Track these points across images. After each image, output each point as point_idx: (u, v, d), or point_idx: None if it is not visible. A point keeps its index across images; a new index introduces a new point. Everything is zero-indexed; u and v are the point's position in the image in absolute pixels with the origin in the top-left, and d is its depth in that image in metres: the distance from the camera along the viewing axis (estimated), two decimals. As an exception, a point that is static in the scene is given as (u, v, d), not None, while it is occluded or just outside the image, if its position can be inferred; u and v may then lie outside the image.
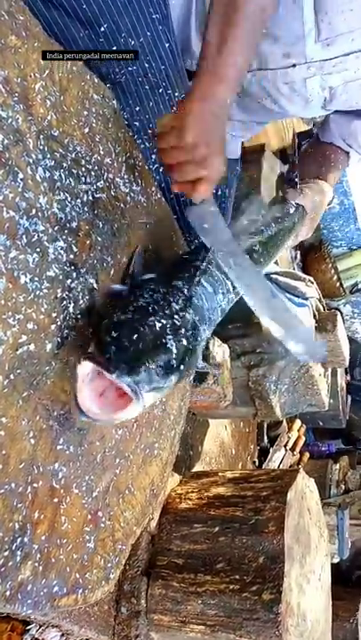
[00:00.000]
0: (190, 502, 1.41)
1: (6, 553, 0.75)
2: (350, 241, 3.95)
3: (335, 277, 3.74)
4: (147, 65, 1.19)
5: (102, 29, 1.11)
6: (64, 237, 0.89)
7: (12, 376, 0.77)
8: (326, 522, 1.64)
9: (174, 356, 0.87)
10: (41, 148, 0.87)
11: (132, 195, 1.12)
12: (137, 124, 1.23)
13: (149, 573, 1.27)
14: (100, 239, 0.99)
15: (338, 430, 3.79)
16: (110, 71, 1.16)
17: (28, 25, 0.89)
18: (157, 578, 1.26)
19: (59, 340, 0.86)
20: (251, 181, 2.72)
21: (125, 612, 1.24)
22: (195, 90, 0.98)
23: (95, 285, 0.95)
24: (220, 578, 1.22)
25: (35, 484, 0.80)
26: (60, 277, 0.87)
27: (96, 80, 1.06)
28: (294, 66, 1.24)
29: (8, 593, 0.75)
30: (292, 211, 1.45)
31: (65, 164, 0.92)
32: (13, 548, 0.76)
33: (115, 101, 1.11)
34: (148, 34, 1.16)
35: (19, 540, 0.77)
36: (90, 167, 0.99)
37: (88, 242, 0.95)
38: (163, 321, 0.89)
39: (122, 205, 1.08)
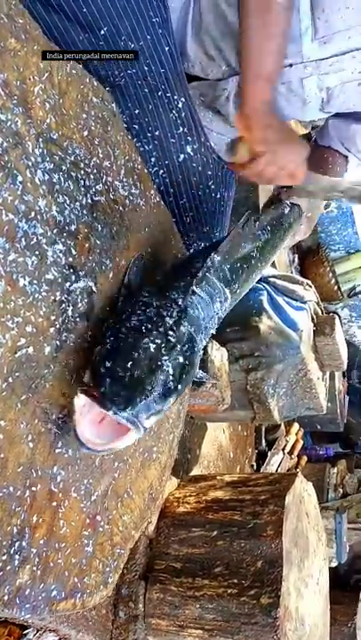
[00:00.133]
0: (188, 506, 1.41)
1: (4, 557, 0.75)
2: (348, 244, 3.96)
3: (333, 281, 3.75)
4: (146, 68, 1.19)
5: (102, 32, 1.11)
6: (63, 240, 0.89)
7: (10, 379, 0.77)
8: (324, 526, 1.64)
9: (171, 377, 0.87)
10: (40, 150, 0.87)
11: (130, 198, 1.12)
12: (136, 127, 1.23)
13: (147, 577, 1.27)
14: (98, 242, 0.98)
15: (336, 434, 3.79)
16: (110, 74, 1.16)
17: (27, 28, 0.89)
18: (155, 582, 1.26)
19: (57, 343, 0.86)
20: (249, 184, 2.72)
21: (123, 616, 1.23)
22: (247, 99, 1.16)
23: (94, 288, 0.95)
24: (219, 582, 1.22)
25: (33, 488, 0.80)
26: (59, 280, 0.87)
27: (95, 83, 1.06)
28: (291, 66, 1.24)
29: (6, 597, 0.75)
30: (286, 211, 1.44)
31: (64, 167, 0.92)
32: (12, 552, 0.76)
33: (114, 104, 1.11)
34: (148, 37, 1.16)
35: (17, 544, 0.77)
36: (89, 170, 0.99)
37: (87, 245, 0.95)
38: (157, 341, 0.88)
39: (121, 208, 1.08)
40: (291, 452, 3.11)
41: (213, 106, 1.37)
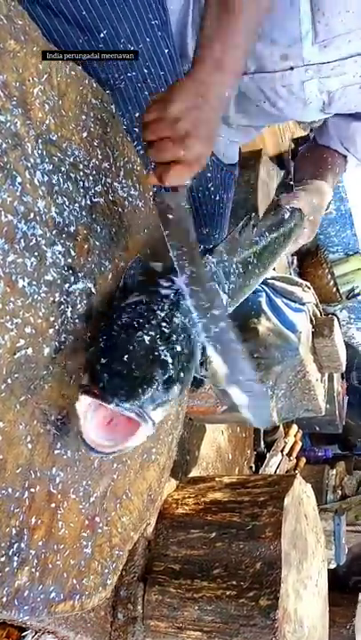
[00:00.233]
0: (187, 508, 1.41)
1: (3, 559, 0.74)
2: (347, 246, 3.97)
3: (332, 283, 3.76)
4: (146, 71, 1.19)
5: (102, 35, 1.11)
6: (62, 241, 0.89)
7: (9, 380, 0.77)
8: (323, 527, 1.64)
9: (171, 366, 0.85)
10: (39, 152, 0.87)
11: (130, 199, 1.12)
12: (136, 129, 1.23)
13: (146, 579, 1.27)
14: (98, 243, 0.98)
15: (334, 435, 3.80)
16: (110, 77, 1.17)
17: (26, 29, 0.89)
18: (154, 584, 1.26)
19: (56, 344, 0.86)
20: (248, 186, 2.73)
21: (122, 617, 1.23)
22: (191, 73, 0.95)
23: (93, 290, 0.95)
24: (217, 584, 1.22)
25: (32, 489, 0.80)
26: (58, 281, 0.87)
27: (94, 85, 1.06)
28: (292, 69, 1.24)
29: (4, 599, 0.75)
30: (287, 216, 1.43)
31: (63, 169, 0.92)
32: (10, 553, 0.76)
33: (113, 106, 1.11)
34: (148, 40, 1.16)
35: (15, 545, 0.76)
36: (88, 171, 0.99)
37: (86, 246, 0.95)
38: (151, 333, 0.86)
39: (120, 210, 1.08)
40: (289, 454, 3.11)
41: None
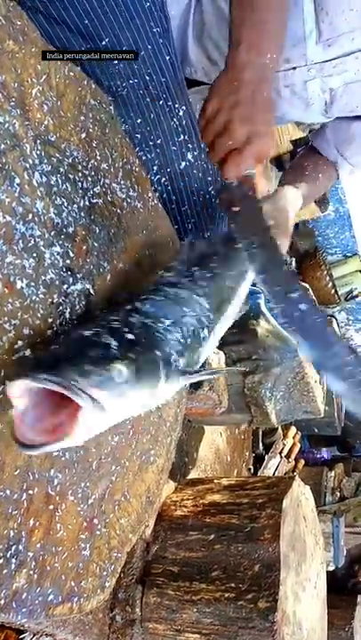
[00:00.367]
0: (186, 510, 1.41)
1: (1, 561, 0.74)
2: (345, 248, 3.97)
3: (330, 284, 3.76)
4: (147, 77, 1.20)
5: (103, 43, 1.12)
6: (60, 242, 0.89)
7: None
8: (322, 529, 1.64)
9: (115, 345, 0.77)
10: (38, 152, 0.87)
11: (128, 200, 1.12)
12: (138, 135, 1.24)
13: (144, 581, 1.26)
14: (96, 244, 0.98)
15: (333, 437, 3.79)
16: (112, 84, 1.18)
17: (25, 30, 0.89)
18: (152, 586, 1.25)
19: (55, 345, 0.85)
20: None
21: (120, 620, 1.23)
22: (225, 65, 0.96)
23: (92, 291, 0.95)
24: (216, 586, 1.22)
25: (30, 491, 0.79)
26: (57, 283, 0.87)
27: (93, 86, 1.06)
28: (295, 69, 1.24)
29: (2, 601, 0.74)
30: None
31: (62, 169, 0.92)
32: (8, 555, 0.75)
33: (112, 107, 1.12)
34: (149, 47, 1.17)
35: (13, 547, 0.76)
36: (87, 172, 0.99)
37: (85, 247, 0.95)
38: (96, 329, 0.79)
39: (118, 211, 1.08)
40: (288, 456, 3.11)
41: None
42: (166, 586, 1.25)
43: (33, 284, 0.82)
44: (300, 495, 1.43)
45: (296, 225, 2.88)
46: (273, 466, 2.94)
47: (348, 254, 3.98)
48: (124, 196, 1.11)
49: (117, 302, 0.93)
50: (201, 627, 1.20)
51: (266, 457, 2.93)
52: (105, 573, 0.96)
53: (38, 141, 0.87)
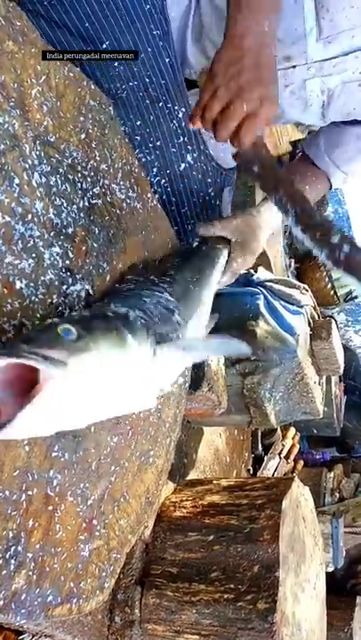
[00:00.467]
0: (185, 510, 1.40)
1: (0, 562, 0.74)
2: (345, 249, 3.96)
3: (329, 286, 3.76)
4: (147, 80, 1.20)
5: (104, 46, 1.13)
6: (60, 243, 0.89)
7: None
8: (321, 530, 1.64)
9: (77, 319, 0.77)
10: (37, 153, 0.87)
11: (127, 201, 1.12)
12: (138, 137, 1.24)
13: (143, 582, 1.26)
14: (95, 245, 0.98)
15: (332, 438, 3.79)
16: (112, 87, 1.18)
17: (25, 31, 0.89)
18: (151, 587, 1.25)
19: (54, 346, 0.85)
20: (246, 189, 2.74)
21: (119, 621, 1.23)
22: (229, 31, 0.97)
23: (91, 291, 0.95)
24: (215, 587, 1.22)
25: (29, 492, 0.79)
26: (56, 283, 0.87)
27: (93, 86, 1.06)
28: (295, 67, 1.24)
29: (1, 602, 0.74)
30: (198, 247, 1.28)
31: (61, 170, 0.92)
32: (7, 556, 0.75)
33: (111, 108, 1.12)
34: (149, 49, 1.18)
35: (13, 548, 0.76)
36: (86, 173, 0.99)
37: (84, 248, 0.95)
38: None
39: (118, 212, 1.08)
40: (287, 457, 3.12)
41: None
42: (165, 587, 1.24)
43: (32, 284, 0.81)
44: (300, 496, 1.43)
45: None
46: (272, 467, 2.94)
47: (348, 255, 3.98)
48: (123, 197, 1.11)
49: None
50: (200, 628, 1.19)
51: (265, 458, 2.93)
52: (104, 574, 0.96)
53: (38, 142, 0.87)
